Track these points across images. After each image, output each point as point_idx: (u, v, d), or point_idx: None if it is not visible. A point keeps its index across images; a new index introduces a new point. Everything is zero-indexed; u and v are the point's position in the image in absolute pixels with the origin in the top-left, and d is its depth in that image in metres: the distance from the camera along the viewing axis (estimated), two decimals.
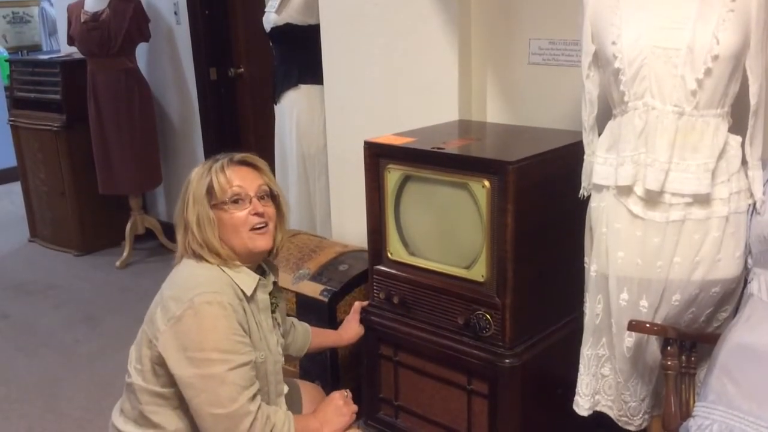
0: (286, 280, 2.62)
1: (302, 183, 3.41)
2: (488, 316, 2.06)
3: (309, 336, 2.16)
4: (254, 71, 4.14)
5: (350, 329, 2.30)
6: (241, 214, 1.77)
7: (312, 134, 3.32)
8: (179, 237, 1.80)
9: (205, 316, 1.64)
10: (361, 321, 2.32)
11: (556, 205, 2.09)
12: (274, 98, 3.45)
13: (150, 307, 1.78)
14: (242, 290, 1.74)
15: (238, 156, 1.86)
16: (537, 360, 2.10)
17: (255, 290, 1.78)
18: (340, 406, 1.90)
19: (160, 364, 1.69)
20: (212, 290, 1.67)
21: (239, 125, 4.30)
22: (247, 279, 1.77)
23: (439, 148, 2.12)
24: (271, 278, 1.89)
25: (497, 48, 2.56)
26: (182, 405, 1.71)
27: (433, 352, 2.20)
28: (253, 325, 1.76)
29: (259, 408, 1.68)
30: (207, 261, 1.74)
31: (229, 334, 1.65)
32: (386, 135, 2.33)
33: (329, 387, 2.54)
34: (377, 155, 2.24)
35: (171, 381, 1.69)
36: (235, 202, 1.78)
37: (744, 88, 1.77)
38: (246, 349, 1.69)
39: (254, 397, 1.69)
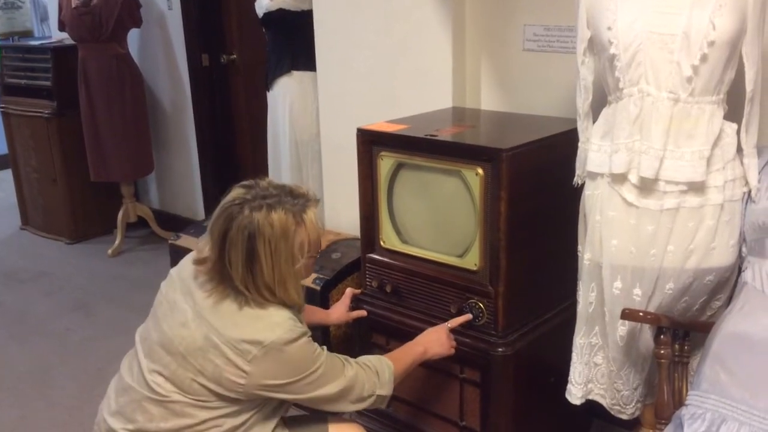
0: None
1: (295, 170, 3.39)
2: (481, 304, 2.04)
3: None
4: (247, 57, 4.10)
5: (338, 311, 2.27)
6: (313, 259, 1.77)
7: (305, 121, 3.31)
8: (243, 281, 1.65)
9: (290, 352, 1.65)
10: (352, 310, 2.30)
11: (550, 193, 2.07)
12: (267, 85, 3.42)
13: (179, 329, 1.69)
14: (297, 317, 1.74)
15: (300, 191, 1.74)
16: (530, 348, 2.09)
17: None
18: (441, 337, 1.99)
19: (235, 390, 1.66)
20: (287, 328, 1.65)
21: (232, 112, 4.27)
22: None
23: (432, 136, 2.10)
24: None
25: (492, 34, 2.54)
26: (240, 407, 1.71)
27: None
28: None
29: (356, 366, 1.77)
30: (270, 304, 1.69)
31: (312, 355, 1.70)
32: (379, 122, 2.31)
33: None
34: (370, 142, 2.22)
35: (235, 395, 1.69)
36: (318, 245, 1.76)
37: (740, 74, 1.75)
38: (321, 350, 1.74)
39: (346, 361, 1.76)
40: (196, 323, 1.67)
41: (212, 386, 1.66)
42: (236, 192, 1.69)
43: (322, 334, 2.52)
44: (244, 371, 1.63)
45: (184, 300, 1.72)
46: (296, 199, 1.68)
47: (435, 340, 1.98)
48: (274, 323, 1.66)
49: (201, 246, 1.74)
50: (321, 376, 1.70)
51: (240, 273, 1.64)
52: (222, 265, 1.66)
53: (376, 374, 1.80)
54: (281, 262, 1.65)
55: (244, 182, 1.73)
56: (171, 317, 1.72)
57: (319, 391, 1.71)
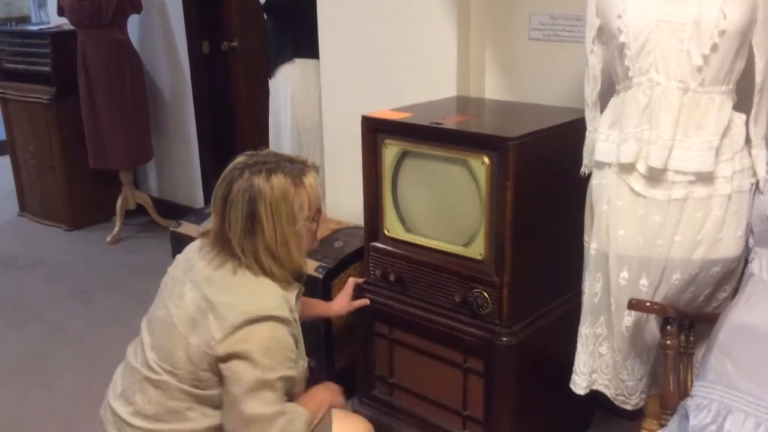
0: None
1: None
2: (486, 294, 2.03)
3: None
4: (248, 45, 4.08)
5: (340, 302, 2.27)
6: (316, 224, 1.76)
7: (307, 109, 3.29)
8: (240, 244, 1.66)
9: (265, 329, 1.62)
10: (355, 299, 2.29)
11: (557, 182, 2.06)
12: (269, 72, 3.40)
13: (176, 301, 1.70)
14: (289, 302, 1.71)
15: (299, 158, 1.76)
16: (534, 338, 2.09)
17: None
18: (329, 384, 1.93)
19: (206, 369, 1.64)
20: (274, 305, 1.65)
21: (232, 100, 4.24)
22: (291, 288, 1.75)
23: (437, 124, 2.08)
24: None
25: (497, 23, 2.52)
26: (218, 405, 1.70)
27: (429, 330, 2.18)
28: (298, 333, 1.75)
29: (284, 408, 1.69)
30: (266, 276, 1.69)
31: (286, 351, 1.65)
32: (383, 110, 2.29)
33: (323, 364, 2.53)
34: (375, 130, 2.21)
35: (211, 384, 1.67)
36: (319, 210, 1.75)
37: (749, 65, 1.74)
38: (294, 365, 1.69)
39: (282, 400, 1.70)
40: (192, 293, 1.69)
41: (196, 360, 1.65)
42: (238, 159, 1.74)
43: (324, 323, 2.51)
44: (214, 339, 1.61)
45: (185, 274, 1.76)
46: (294, 164, 1.72)
47: (321, 389, 1.89)
48: (261, 295, 1.66)
49: (208, 223, 1.79)
50: (274, 386, 1.62)
51: (239, 234, 1.66)
52: (223, 229, 1.68)
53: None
54: (282, 222, 1.67)
55: (246, 152, 1.76)
56: (173, 292, 1.75)
57: (260, 392, 1.61)
